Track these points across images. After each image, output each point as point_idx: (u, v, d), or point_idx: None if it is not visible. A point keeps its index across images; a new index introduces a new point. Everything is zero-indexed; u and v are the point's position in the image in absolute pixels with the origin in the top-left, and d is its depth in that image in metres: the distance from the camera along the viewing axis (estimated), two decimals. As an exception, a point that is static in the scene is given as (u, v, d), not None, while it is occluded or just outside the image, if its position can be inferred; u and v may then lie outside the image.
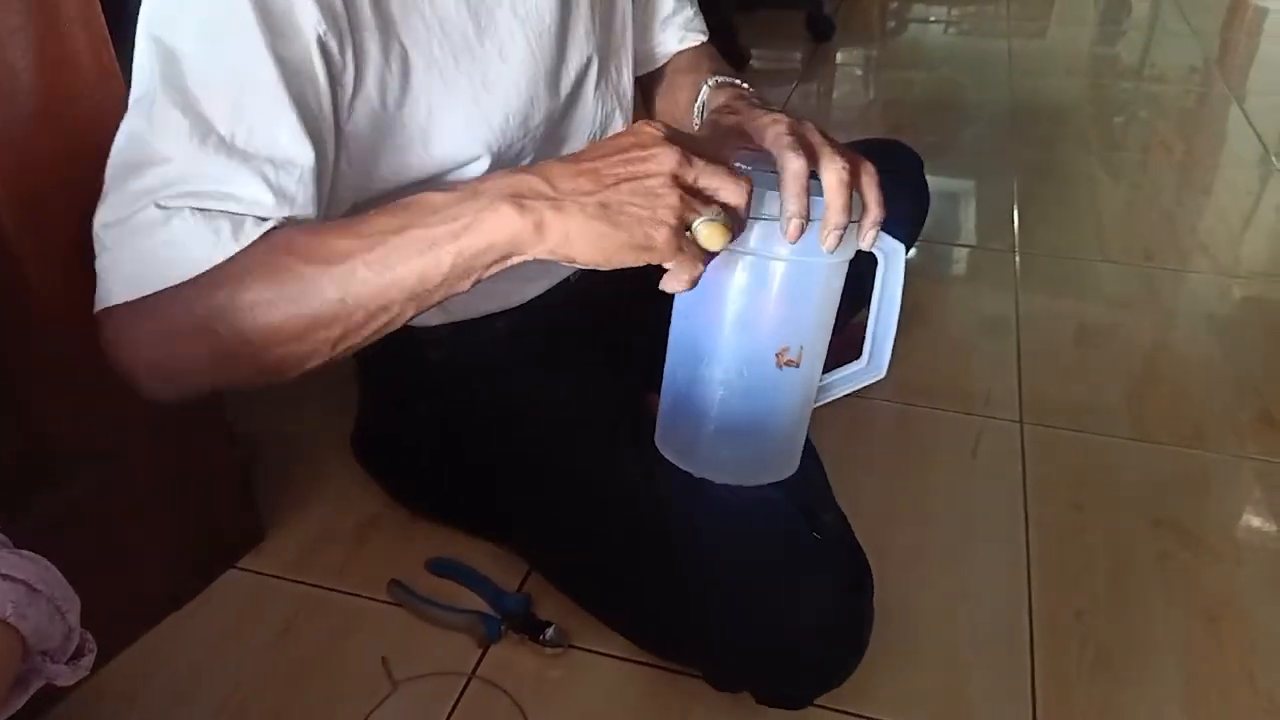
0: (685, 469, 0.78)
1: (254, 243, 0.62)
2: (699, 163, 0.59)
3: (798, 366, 0.74)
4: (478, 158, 0.77)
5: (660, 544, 0.81)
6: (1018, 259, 1.70)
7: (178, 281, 0.62)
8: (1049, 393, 1.34)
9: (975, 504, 1.15)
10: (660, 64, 1.02)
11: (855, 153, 0.69)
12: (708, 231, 0.59)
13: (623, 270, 0.61)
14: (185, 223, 0.62)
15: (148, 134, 0.63)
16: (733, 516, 0.79)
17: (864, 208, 0.69)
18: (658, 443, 0.80)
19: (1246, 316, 1.56)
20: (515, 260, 0.61)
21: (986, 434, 1.26)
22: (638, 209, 0.57)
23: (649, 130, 0.61)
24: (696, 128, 0.89)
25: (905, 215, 1.14)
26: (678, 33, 1.01)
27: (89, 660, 0.48)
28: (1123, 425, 1.28)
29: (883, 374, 0.79)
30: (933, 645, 0.96)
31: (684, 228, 0.59)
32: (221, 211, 0.63)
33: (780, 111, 0.73)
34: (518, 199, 0.58)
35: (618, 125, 0.93)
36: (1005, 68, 2.71)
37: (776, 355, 0.72)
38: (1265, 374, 1.39)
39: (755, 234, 0.67)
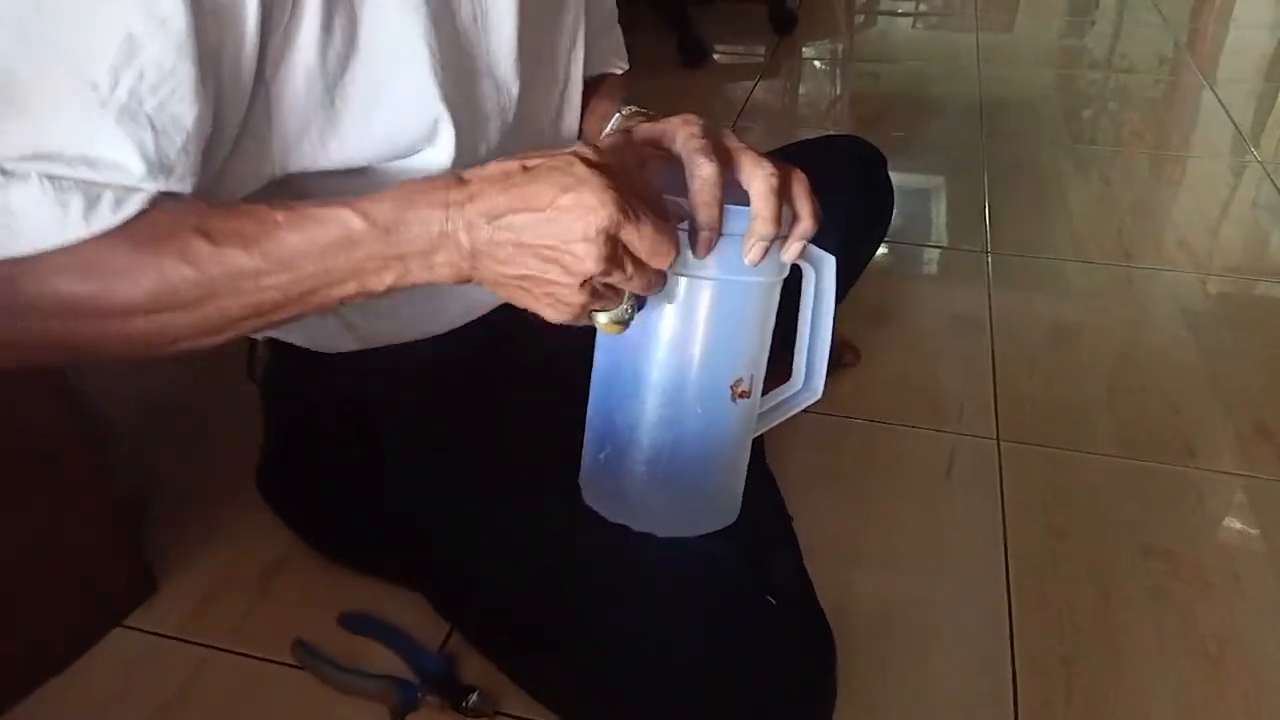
0: (615, 520, 0.69)
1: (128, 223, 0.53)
2: (624, 266, 0.56)
3: (749, 397, 0.67)
4: (428, 144, 0.66)
5: (579, 613, 0.71)
6: (990, 259, 1.63)
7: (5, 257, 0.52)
8: (1026, 405, 1.26)
9: (949, 535, 1.06)
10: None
11: (783, 161, 0.61)
12: (605, 322, 0.60)
13: None
14: (29, 191, 0.51)
15: None
16: (666, 579, 0.69)
17: (794, 219, 0.61)
18: (581, 486, 0.71)
19: (1228, 315, 1.48)
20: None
21: (961, 453, 1.17)
22: (546, 284, 0.56)
23: (599, 199, 0.52)
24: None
25: (848, 219, 1.05)
26: (603, 54, 0.91)
27: None
28: (1106, 440, 1.20)
29: (819, 395, 0.72)
30: (904, 704, 0.87)
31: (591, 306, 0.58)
32: (77, 181, 0.52)
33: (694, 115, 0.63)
34: (441, 244, 0.56)
35: (570, 124, 0.84)
36: (973, 61, 2.65)
37: (732, 387, 0.65)
38: (1256, 380, 1.31)
39: (685, 254, 0.60)
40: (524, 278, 0.55)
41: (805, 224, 0.60)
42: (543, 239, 0.53)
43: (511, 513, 0.76)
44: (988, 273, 1.58)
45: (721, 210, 0.57)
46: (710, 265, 0.60)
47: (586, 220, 0.51)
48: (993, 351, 1.37)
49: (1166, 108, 2.39)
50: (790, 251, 0.61)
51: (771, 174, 0.57)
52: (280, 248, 0.54)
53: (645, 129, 0.63)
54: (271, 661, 0.89)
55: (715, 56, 2.63)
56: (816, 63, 2.78)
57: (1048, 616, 0.95)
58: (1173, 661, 0.90)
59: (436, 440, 0.83)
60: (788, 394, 0.73)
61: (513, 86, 0.72)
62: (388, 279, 0.56)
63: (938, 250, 1.69)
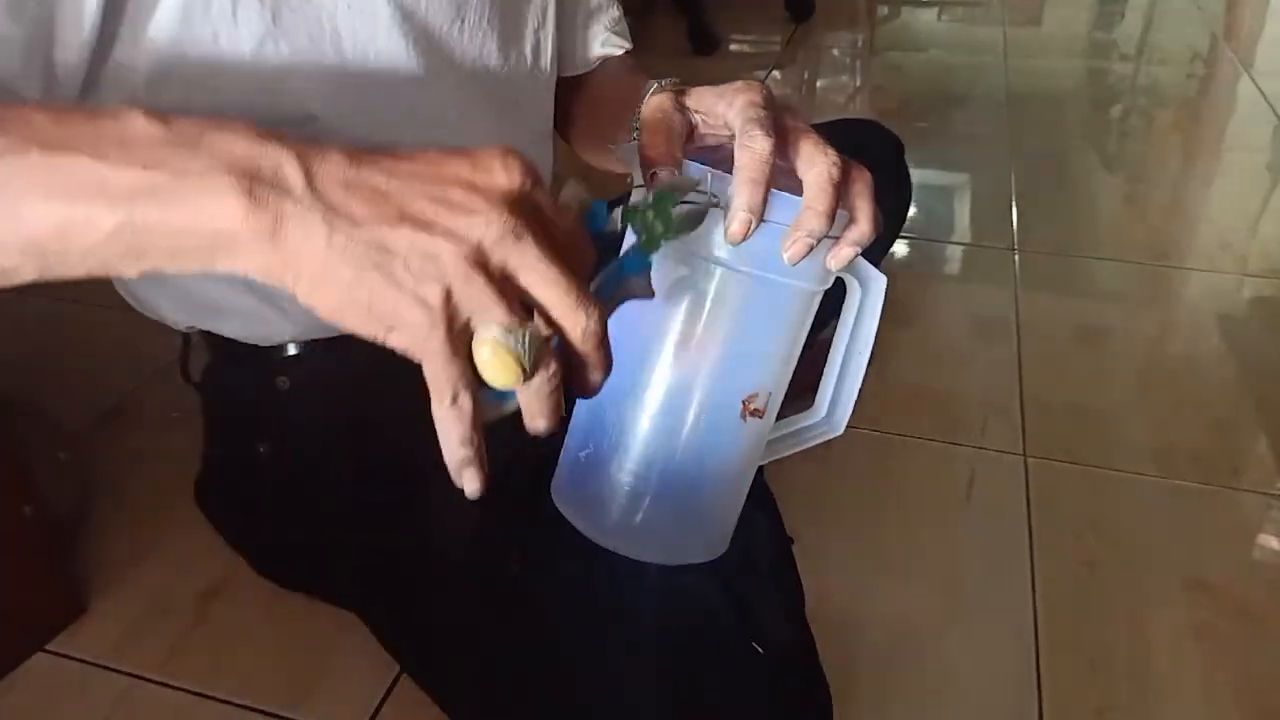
0: (586, 533, 0.59)
1: None
2: (530, 248, 0.37)
3: (762, 418, 0.58)
4: (313, 113, 0.56)
5: (532, 662, 0.62)
6: (1017, 257, 1.54)
7: None
8: (1055, 417, 1.17)
9: (968, 564, 0.97)
10: (578, 71, 0.82)
11: (848, 157, 0.51)
12: (489, 355, 0.37)
13: None
14: None
15: None
16: (634, 620, 0.60)
17: (850, 221, 0.52)
18: (553, 492, 0.61)
19: (1269, 320, 1.39)
20: (219, 267, 0.37)
21: (983, 470, 1.08)
22: (403, 270, 0.36)
23: (503, 164, 0.38)
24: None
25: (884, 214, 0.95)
26: (601, 34, 0.81)
27: None
28: (1142, 457, 1.10)
29: (840, 431, 0.62)
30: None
31: (461, 330, 0.37)
32: None
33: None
34: (251, 178, 0.35)
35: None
36: (1000, 53, 2.56)
37: (744, 402, 0.57)
38: (1308, 394, 1.20)
39: (717, 236, 0.50)
40: (393, 236, 0.36)
41: (862, 228, 0.51)
42: (436, 167, 0.38)
43: (461, 538, 0.67)
44: (1014, 272, 1.50)
45: (768, 190, 0.48)
46: (744, 256, 0.51)
47: (504, 178, 0.38)
48: (1019, 357, 1.28)
49: (1202, 100, 2.31)
50: (840, 257, 0.52)
51: (835, 164, 0.49)
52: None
53: (701, 94, 0.53)
54: (202, 696, 0.81)
55: (731, 46, 2.55)
56: (835, 52, 2.69)
57: (1079, 660, 0.86)
58: (1222, 713, 0.81)
59: (383, 459, 0.74)
60: (805, 423, 0.63)
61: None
62: (150, 213, 0.35)
63: (961, 247, 1.61)
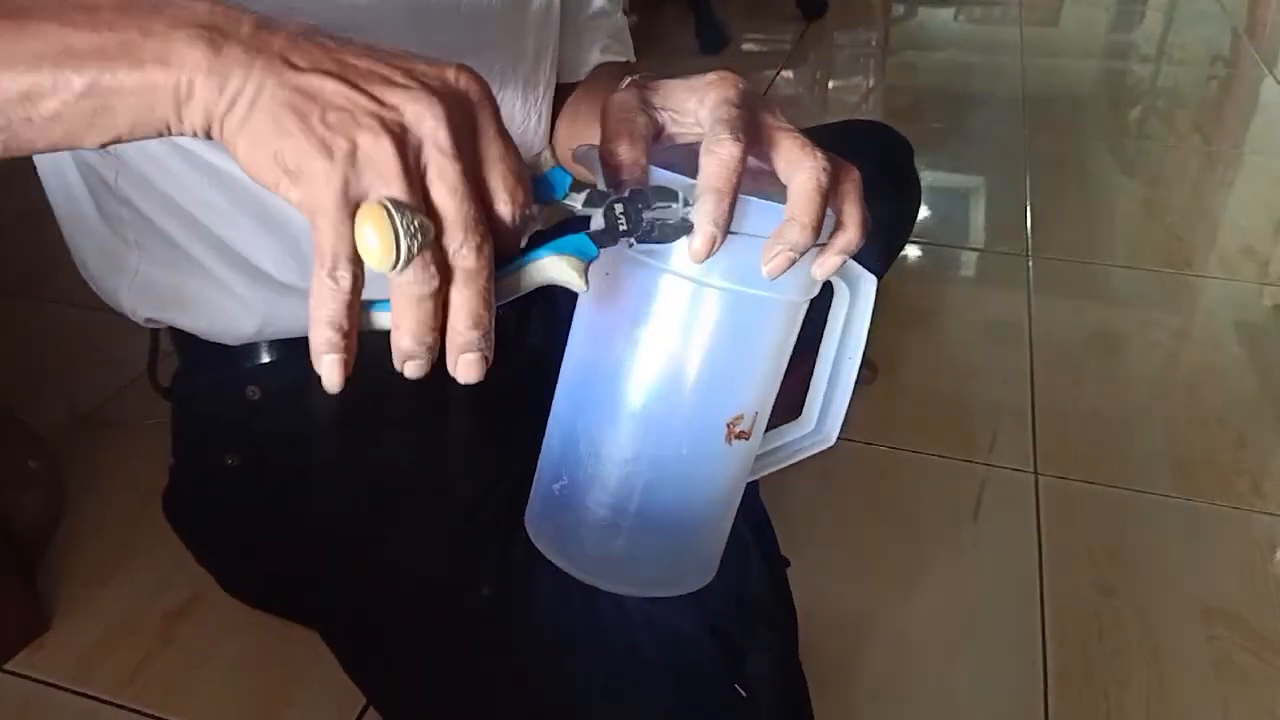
0: (563, 568, 0.55)
1: None
2: (446, 141, 0.36)
3: (748, 440, 0.54)
4: None
5: (502, 694, 0.58)
6: (1031, 263, 1.50)
7: None
8: (1069, 432, 1.12)
9: (975, 589, 0.92)
10: (573, 78, 0.78)
11: (835, 156, 0.46)
12: (367, 222, 0.35)
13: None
14: None
15: None
16: (608, 659, 0.56)
17: (836, 226, 0.48)
18: (527, 523, 0.57)
19: None
20: (176, 128, 0.37)
21: (992, 488, 1.04)
22: (318, 120, 0.35)
23: (457, 70, 0.38)
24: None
25: (885, 219, 0.90)
26: (601, 40, 0.77)
27: None
28: (1160, 475, 1.06)
29: (832, 442, 0.58)
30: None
31: (356, 196, 0.35)
32: None
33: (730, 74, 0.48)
34: (212, 31, 0.36)
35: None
36: (1017, 53, 2.52)
37: (728, 425, 0.52)
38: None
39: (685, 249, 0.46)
40: (308, 93, 0.35)
41: (850, 235, 0.47)
42: (390, 53, 0.38)
43: (433, 566, 0.63)
44: (1028, 278, 1.46)
45: (734, 203, 0.43)
46: (720, 270, 0.46)
47: (462, 65, 0.38)
48: (1031, 368, 1.24)
49: (1224, 102, 2.26)
50: (826, 266, 0.47)
51: (824, 168, 0.43)
52: None
53: (670, 89, 0.48)
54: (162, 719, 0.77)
55: (741, 45, 2.51)
56: (848, 51, 2.65)
57: (1091, 692, 0.82)
58: (1244, 755, 0.77)
59: (355, 478, 0.70)
60: (793, 435, 0.59)
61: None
62: (118, 71, 0.36)
63: (974, 253, 1.57)
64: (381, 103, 0.35)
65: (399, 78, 0.36)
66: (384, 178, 0.34)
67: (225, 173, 0.62)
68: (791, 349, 0.53)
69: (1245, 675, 0.83)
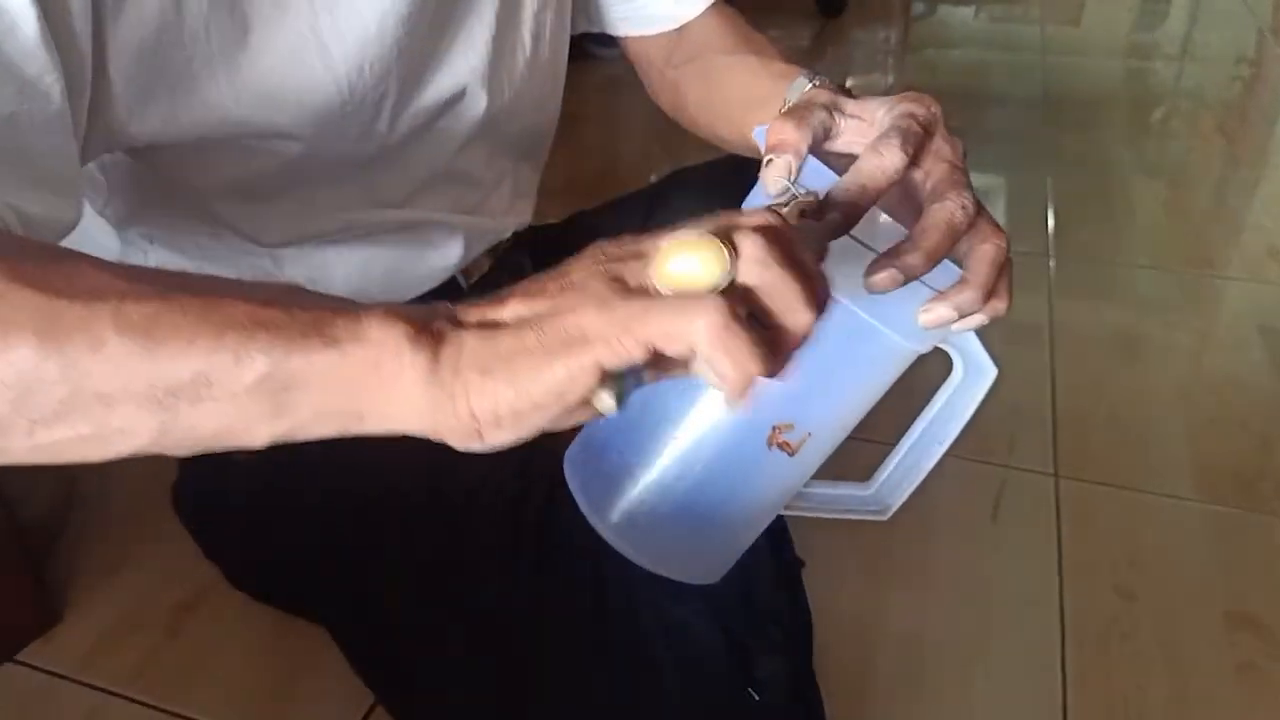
0: (586, 514, 0.54)
1: None
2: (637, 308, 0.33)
3: (791, 455, 0.52)
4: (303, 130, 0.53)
5: (514, 694, 0.58)
6: (1052, 263, 1.49)
7: None
8: (1090, 435, 1.11)
9: (993, 593, 0.91)
10: (661, 28, 0.76)
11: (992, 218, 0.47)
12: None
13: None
14: None
15: None
16: (623, 661, 0.56)
17: (962, 283, 0.47)
18: (566, 461, 0.56)
19: None
20: (370, 425, 0.36)
21: (1011, 490, 1.03)
22: (554, 337, 0.33)
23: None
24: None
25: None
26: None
27: None
28: (1182, 480, 1.04)
29: (885, 518, 0.58)
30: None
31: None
32: None
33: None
34: (407, 319, 0.33)
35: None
36: (1038, 52, 2.51)
37: (774, 428, 0.51)
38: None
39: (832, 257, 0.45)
40: (527, 323, 0.33)
41: (970, 295, 0.45)
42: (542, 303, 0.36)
43: (439, 560, 0.62)
44: (1049, 278, 1.45)
45: (870, 206, 0.43)
46: (846, 290, 0.46)
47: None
48: (1052, 369, 1.23)
49: (1248, 102, 2.24)
50: (932, 314, 0.46)
51: (963, 207, 0.44)
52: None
53: (866, 101, 0.48)
54: (170, 713, 0.78)
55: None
56: (866, 49, 2.64)
57: (1110, 698, 0.81)
58: (1268, 765, 0.76)
59: (369, 475, 0.69)
60: (849, 491, 0.59)
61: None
62: (310, 350, 0.33)
63: None
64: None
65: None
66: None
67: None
68: (877, 398, 0.52)
69: (1268, 681, 0.82)
